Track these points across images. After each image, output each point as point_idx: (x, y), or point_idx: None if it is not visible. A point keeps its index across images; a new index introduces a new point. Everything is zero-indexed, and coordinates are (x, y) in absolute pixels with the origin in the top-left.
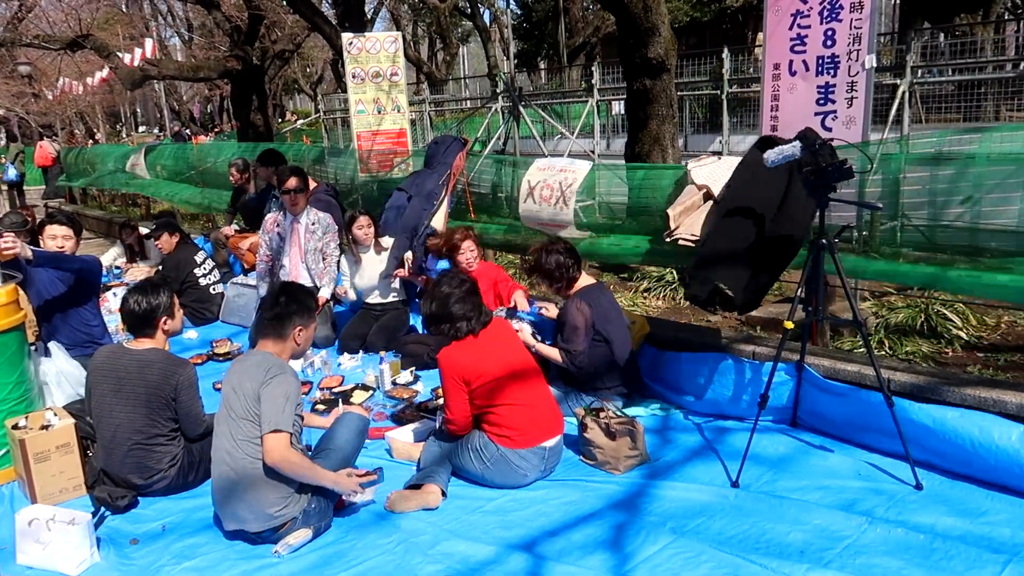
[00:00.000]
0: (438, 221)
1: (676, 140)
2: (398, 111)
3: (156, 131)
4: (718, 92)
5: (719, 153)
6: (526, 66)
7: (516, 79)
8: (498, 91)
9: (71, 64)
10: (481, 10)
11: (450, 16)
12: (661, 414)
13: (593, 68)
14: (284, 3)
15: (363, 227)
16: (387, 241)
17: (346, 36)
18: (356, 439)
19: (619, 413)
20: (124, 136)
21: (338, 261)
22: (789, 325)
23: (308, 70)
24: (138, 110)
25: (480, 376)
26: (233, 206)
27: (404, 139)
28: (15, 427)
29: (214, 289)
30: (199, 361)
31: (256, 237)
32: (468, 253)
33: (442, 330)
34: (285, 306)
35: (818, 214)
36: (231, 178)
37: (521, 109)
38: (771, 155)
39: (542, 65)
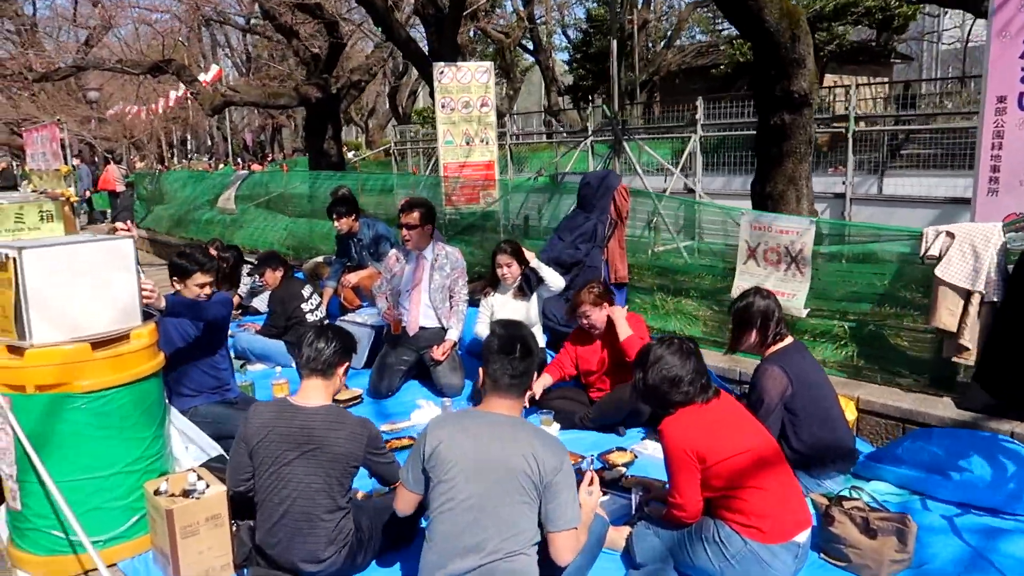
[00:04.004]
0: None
1: (811, 180)
2: (486, 144)
3: (206, 159)
4: (843, 129)
5: (841, 195)
6: (582, 101)
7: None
8: (590, 126)
9: (131, 90)
10: (544, 45)
11: (513, 51)
12: (893, 500)
13: (697, 103)
14: (374, 32)
15: (502, 265)
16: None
17: (438, 65)
18: (596, 547)
19: (876, 505)
20: (178, 164)
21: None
22: None
23: (360, 102)
24: (187, 137)
25: (718, 452)
26: (340, 255)
27: (492, 171)
28: (156, 492)
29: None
30: None
31: (358, 276)
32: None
33: (665, 397)
34: (529, 359)
35: None
36: (339, 226)
37: (624, 144)
38: None
39: (598, 101)
